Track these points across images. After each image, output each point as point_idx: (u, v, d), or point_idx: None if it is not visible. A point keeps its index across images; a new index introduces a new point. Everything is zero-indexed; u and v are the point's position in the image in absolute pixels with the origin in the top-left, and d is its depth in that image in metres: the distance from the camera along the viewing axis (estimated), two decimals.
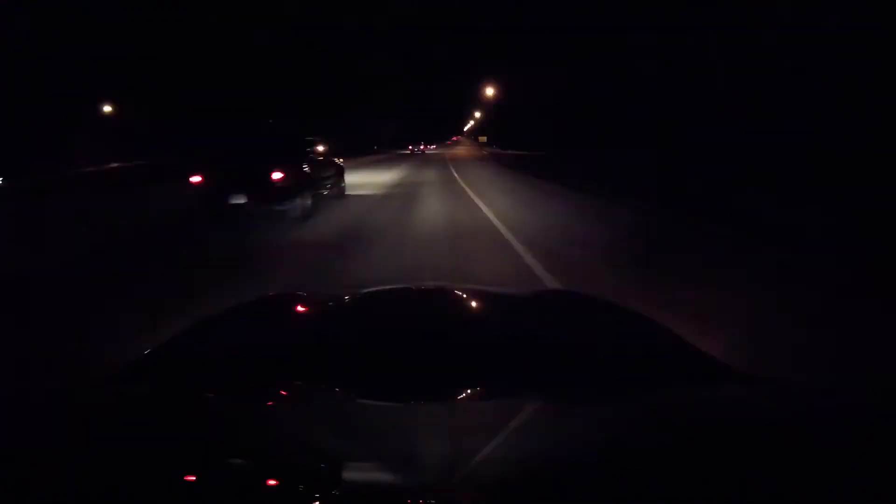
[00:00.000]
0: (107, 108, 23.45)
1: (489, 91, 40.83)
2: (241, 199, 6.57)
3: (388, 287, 1.67)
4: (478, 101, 61.19)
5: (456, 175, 17.05)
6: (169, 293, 3.95)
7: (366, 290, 1.56)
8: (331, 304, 1.43)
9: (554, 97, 24.57)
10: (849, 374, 2.19)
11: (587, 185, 11.24)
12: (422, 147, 53.16)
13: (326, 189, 8.79)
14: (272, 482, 0.58)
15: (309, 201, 7.37)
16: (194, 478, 0.59)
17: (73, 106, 20.33)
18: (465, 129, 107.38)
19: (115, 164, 18.27)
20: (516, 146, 30.97)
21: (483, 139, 56.07)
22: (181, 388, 0.89)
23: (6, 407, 0.80)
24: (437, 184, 14.03)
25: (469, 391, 0.87)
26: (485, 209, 8.32)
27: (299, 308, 1.41)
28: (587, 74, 20.25)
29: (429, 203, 9.62)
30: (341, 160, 11.01)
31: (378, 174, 17.86)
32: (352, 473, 0.61)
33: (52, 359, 2.66)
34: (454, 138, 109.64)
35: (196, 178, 6.81)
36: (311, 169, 7.78)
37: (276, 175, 6.65)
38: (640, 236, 6.02)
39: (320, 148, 9.03)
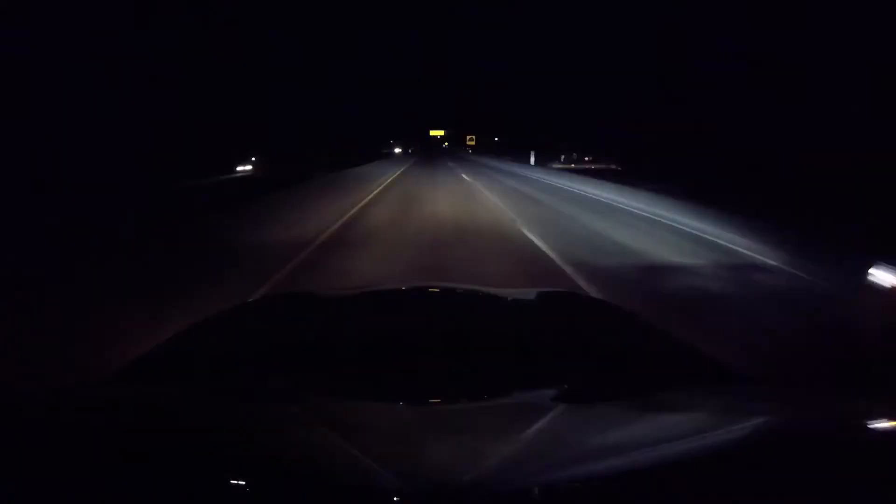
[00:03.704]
0: None
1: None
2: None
3: (388, 287, 1.67)
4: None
5: None
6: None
7: (366, 291, 1.56)
8: (331, 304, 1.43)
9: None
10: None
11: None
12: None
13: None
14: (272, 483, 0.58)
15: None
16: (193, 479, 0.59)
17: None
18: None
19: None
20: None
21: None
22: (180, 388, 0.89)
23: (5, 408, 0.79)
24: None
25: (470, 391, 0.87)
26: None
27: (299, 308, 1.41)
28: None
29: None
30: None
31: None
32: (353, 474, 0.60)
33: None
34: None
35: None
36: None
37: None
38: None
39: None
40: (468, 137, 72.20)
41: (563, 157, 33.60)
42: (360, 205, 10.03)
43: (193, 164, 17.84)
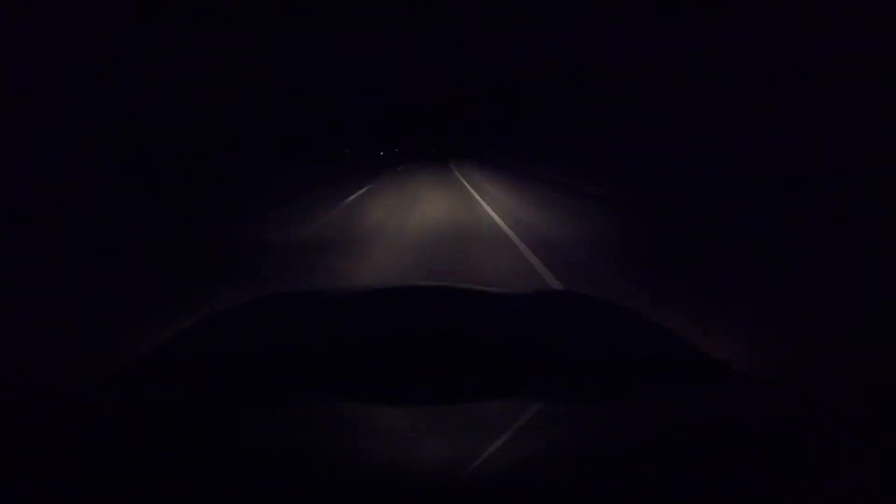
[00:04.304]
0: None
1: None
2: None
3: (388, 286, 1.66)
4: None
5: None
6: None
7: (366, 290, 1.55)
8: (331, 303, 1.43)
9: None
10: None
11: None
12: None
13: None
14: (272, 485, 0.58)
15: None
16: (193, 479, 0.59)
17: None
18: None
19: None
20: None
21: None
22: (179, 388, 0.89)
23: (5, 407, 0.79)
24: None
25: (469, 392, 0.87)
26: None
27: (299, 307, 1.41)
28: None
29: None
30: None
31: None
32: (352, 475, 0.60)
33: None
34: None
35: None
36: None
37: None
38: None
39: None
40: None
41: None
42: None
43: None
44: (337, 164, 26.97)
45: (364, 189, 13.56)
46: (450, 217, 8.38)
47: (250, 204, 10.55)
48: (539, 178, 16.17)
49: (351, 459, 0.64)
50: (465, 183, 15.48)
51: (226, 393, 0.86)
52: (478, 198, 11.30)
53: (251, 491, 0.56)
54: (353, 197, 11.77)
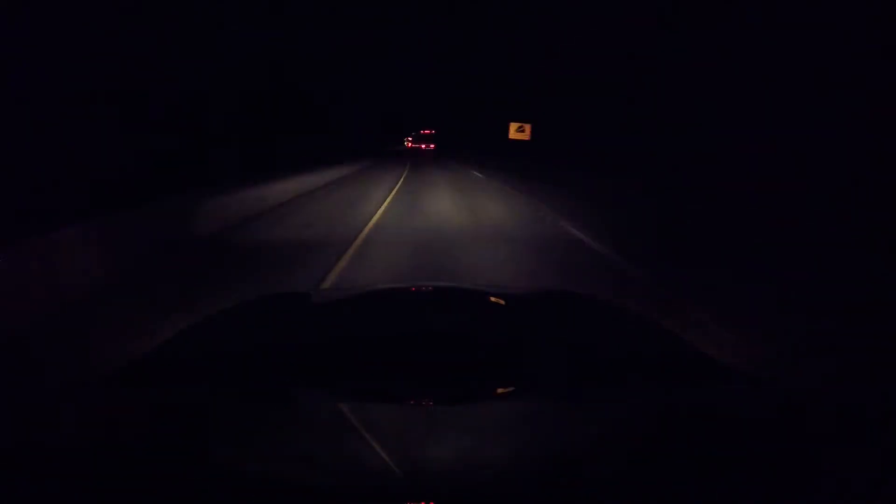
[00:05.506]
0: None
1: None
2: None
3: (388, 287, 1.67)
4: None
5: None
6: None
7: (366, 291, 1.56)
8: (331, 304, 1.43)
9: None
10: None
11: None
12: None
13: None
14: (273, 484, 0.58)
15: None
16: (193, 479, 0.59)
17: None
18: None
19: None
20: None
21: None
22: (179, 388, 0.89)
23: (6, 407, 0.79)
24: None
25: (469, 391, 0.87)
26: None
27: (299, 307, 1.41)
28: None
29: None
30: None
31: None
32: (353, 474, 0.60)
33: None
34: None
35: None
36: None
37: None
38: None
39: None
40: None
41: None
42: None
43: None
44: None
45: None
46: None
47: None
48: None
49: (352, 459, 0.64)
50: None
51: (226, 393, 0.86)
52: None
53: (252, 490, 0.56)
54: None
